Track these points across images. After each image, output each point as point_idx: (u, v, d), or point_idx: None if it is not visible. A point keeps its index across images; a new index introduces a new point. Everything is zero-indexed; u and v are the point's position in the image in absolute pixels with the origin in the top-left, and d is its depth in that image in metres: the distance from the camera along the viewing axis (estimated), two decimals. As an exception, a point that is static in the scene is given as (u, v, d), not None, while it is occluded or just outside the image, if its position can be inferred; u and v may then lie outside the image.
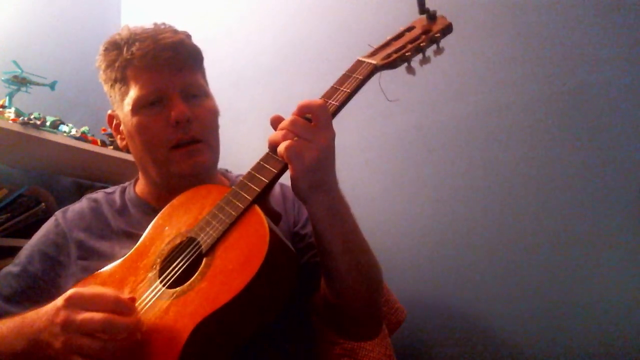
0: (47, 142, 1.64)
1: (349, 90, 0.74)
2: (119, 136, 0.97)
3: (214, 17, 2.17)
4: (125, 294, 0.68)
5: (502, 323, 1.29)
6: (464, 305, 1.35)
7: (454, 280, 1.37)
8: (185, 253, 0.71)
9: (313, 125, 0.68)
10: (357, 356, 1.07)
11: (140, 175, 0.98)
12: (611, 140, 1.20)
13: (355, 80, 0.75)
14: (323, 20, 1.82)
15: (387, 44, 0.82)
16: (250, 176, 0.73)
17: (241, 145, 1.67)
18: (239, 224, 0.69)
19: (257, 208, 0.69)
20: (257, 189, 0.71)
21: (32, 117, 1.61)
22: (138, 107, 0.87)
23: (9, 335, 0.69)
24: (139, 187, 0.97)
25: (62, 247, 0.88)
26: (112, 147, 1.87)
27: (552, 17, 1.32)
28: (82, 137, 1.77)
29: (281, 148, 0.67)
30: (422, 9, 0.79)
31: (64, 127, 1.75)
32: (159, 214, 0.81)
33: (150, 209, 0.91)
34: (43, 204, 1.68)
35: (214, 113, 0.93)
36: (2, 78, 1.70)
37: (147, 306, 0.67)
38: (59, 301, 0.62)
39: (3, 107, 1.64)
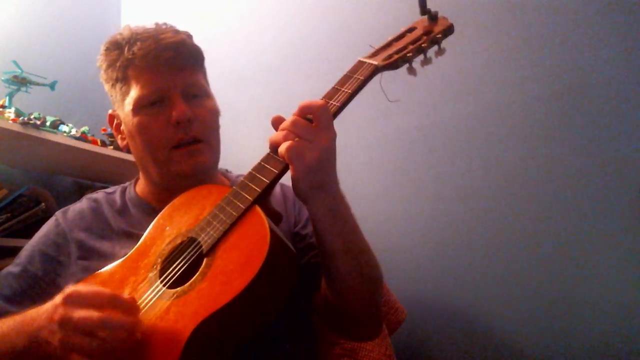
0: (47, 142, 1.64)
1: (350, 91, 0.74)
2: (119, 136, 0.97)
3: (214, 17, 2.17)
4: (126, 294, 0.68)
5: (502, 323, 1.29)
6: (464, 305, 1.35)
7: (454, 280, 1.37)
8: (186, 253, 0.71)
9: (314, 126, 0.68)
10: (358, 356, 1.07)
11: (140, 175, 0.98)
12: (611, 140, 1.21)
13: (356, 80, 0.75)
14: (323, 20, 1.82)
15: (388, 45, 0.82)
16: (251, 176, 0.73)
17: (241, 145, 1.67)
18: (239, 224, 0.69)
19: (258, 208, 0.69)
20: (257, 189, 0.71)
21: (32, 117, 1.61)
22: (139, 107, 0.87)
23: (10, 333, 0.69)
24: (140, 187, 0.97)
25: (63, 247, 0.88)
26: (112, 147, 1.87)
27: (552, 17, 1.32)
28: (82, 137, 1.77)
29: (282, 148, 0.67)
30: (424, 9, 0.79)
31: (64, 127, 1.75)
32: (159, 214, 0.81)
33: (150, 209, 0.91)
34: (43, 204, 1.67)
35: (214, 113, 0.93)
36: (2, 78, 1.69)
37: (147, 306, 0.67)
38: (58, 299, 0.62)
39: (3, 107, 1.64)
